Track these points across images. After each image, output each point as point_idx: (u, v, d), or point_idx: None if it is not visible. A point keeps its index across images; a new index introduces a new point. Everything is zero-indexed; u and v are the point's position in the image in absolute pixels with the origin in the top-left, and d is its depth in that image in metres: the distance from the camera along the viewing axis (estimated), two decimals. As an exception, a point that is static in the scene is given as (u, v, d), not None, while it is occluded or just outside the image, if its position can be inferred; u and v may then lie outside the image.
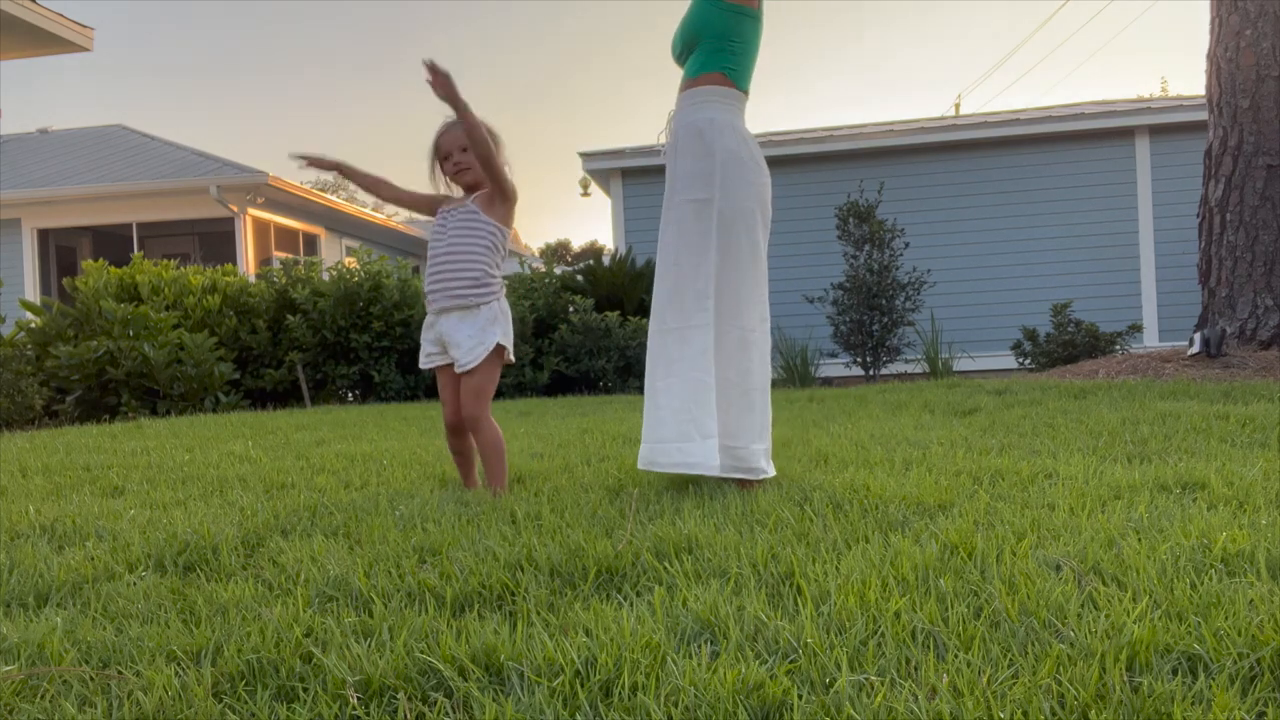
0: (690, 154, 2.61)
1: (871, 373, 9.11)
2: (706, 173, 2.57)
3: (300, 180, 14.98)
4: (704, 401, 2.52)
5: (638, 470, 2.97)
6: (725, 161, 2.56)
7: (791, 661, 1.29)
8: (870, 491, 2.41)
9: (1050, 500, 2.25)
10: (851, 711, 1.14)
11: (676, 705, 1.19)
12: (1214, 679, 1.19)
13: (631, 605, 1.56)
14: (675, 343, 2.58)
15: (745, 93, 2.68)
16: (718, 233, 2.56)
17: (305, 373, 8.42)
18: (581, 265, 9.79)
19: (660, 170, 10.27)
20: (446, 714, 1.21)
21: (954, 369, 9.20)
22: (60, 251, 15.23)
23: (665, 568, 1.77)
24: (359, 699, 1.26)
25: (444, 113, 2.68)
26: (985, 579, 1.60)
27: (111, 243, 15.54)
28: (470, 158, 2.71)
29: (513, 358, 2.76)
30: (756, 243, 2.62)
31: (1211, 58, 6.68)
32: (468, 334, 2.66)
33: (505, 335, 2.69)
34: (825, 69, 73.71)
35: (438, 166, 2.81)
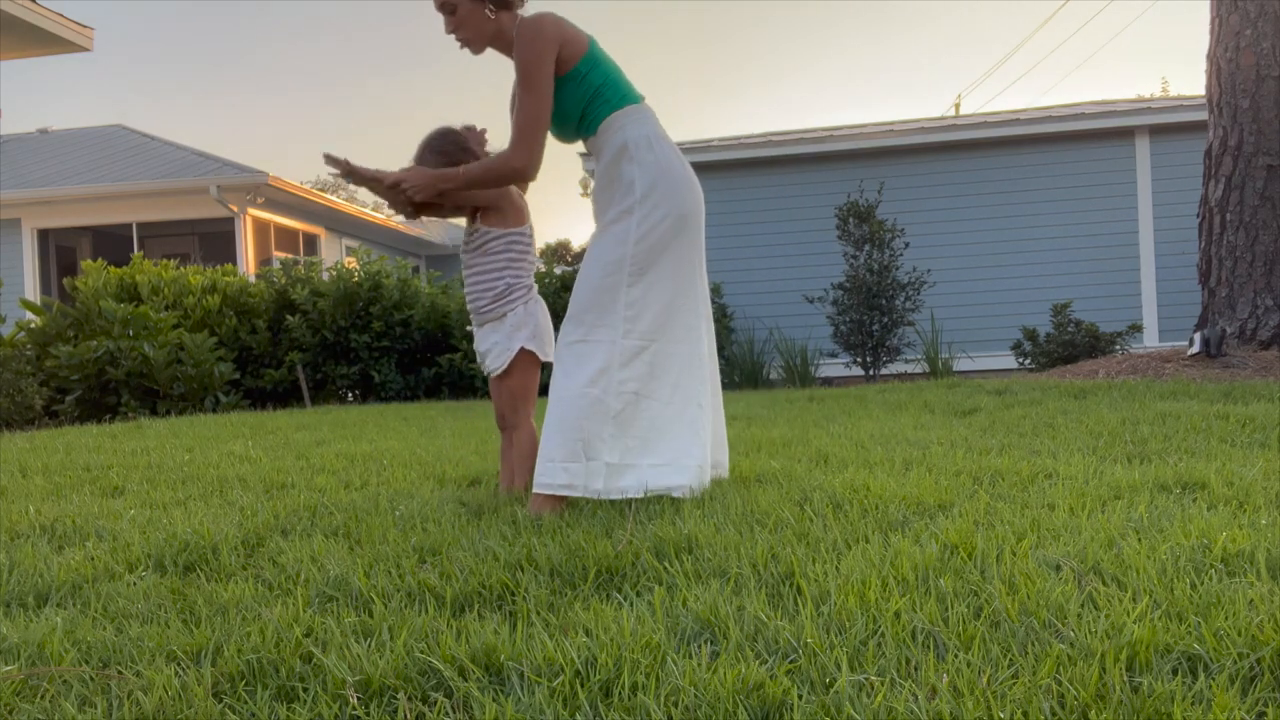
0: (605, 176, 2.52)
1: (871, 373, 9.11)
2: (626, 187, 2.47)
3: (300, 180, 14.98)
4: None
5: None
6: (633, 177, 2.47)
7: (791, 661, 1.29)
8: (870, 491, 2.41)
9: (1050, 500, 2.25)
10: (851, 711, 1.14)
11: (676, 705, 1.19)
12: (1214, 679, 1.19)
13: (631, 605, 1.56)
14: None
15: (626, 106, 2.49)
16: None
17: (305, 373, 8.42)
18: (582, 265, 9.76)
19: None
20: (446, 714, 1.21)
21: (954, 369, 9.20)
22: (60, 251, 15.23)
23: (665, 568, 1.77)
24: (359, 699, 1.26)
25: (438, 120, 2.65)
26: (985, 579, 1.60)
27: (111, 243, 15.54)
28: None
29: (547, 356, 2.72)
30: (602, 252, 2.47)
31: (1211, 58, 6.68)
32: (494, 340, 2.72)
33: (533, 338, 2.69)
34: (825, 69, 73.78)
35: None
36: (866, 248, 9.01)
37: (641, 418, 2.42)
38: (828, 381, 9.14)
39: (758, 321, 10.51)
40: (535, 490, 2.39)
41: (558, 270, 9.57)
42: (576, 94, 2.46)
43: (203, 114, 67.76)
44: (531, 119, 2.41)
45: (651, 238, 2.43)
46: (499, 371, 2.70)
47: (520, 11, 2.49)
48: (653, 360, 2.44)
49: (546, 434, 2.39)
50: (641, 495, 2.38)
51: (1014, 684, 1.19)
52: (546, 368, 2.65)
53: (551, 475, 2.36)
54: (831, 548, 1.86)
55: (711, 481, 2.60)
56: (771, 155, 10.94)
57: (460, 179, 2.48)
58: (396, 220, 19.31)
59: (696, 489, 2.44)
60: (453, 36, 2.50)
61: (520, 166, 2.46)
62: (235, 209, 13.74)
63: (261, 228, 14.48)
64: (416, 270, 13.23)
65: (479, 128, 2.73)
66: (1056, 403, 4.53)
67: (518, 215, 2.72)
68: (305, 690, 1.30)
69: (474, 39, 2.49)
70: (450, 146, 2.64)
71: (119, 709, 1.25)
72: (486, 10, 2.44)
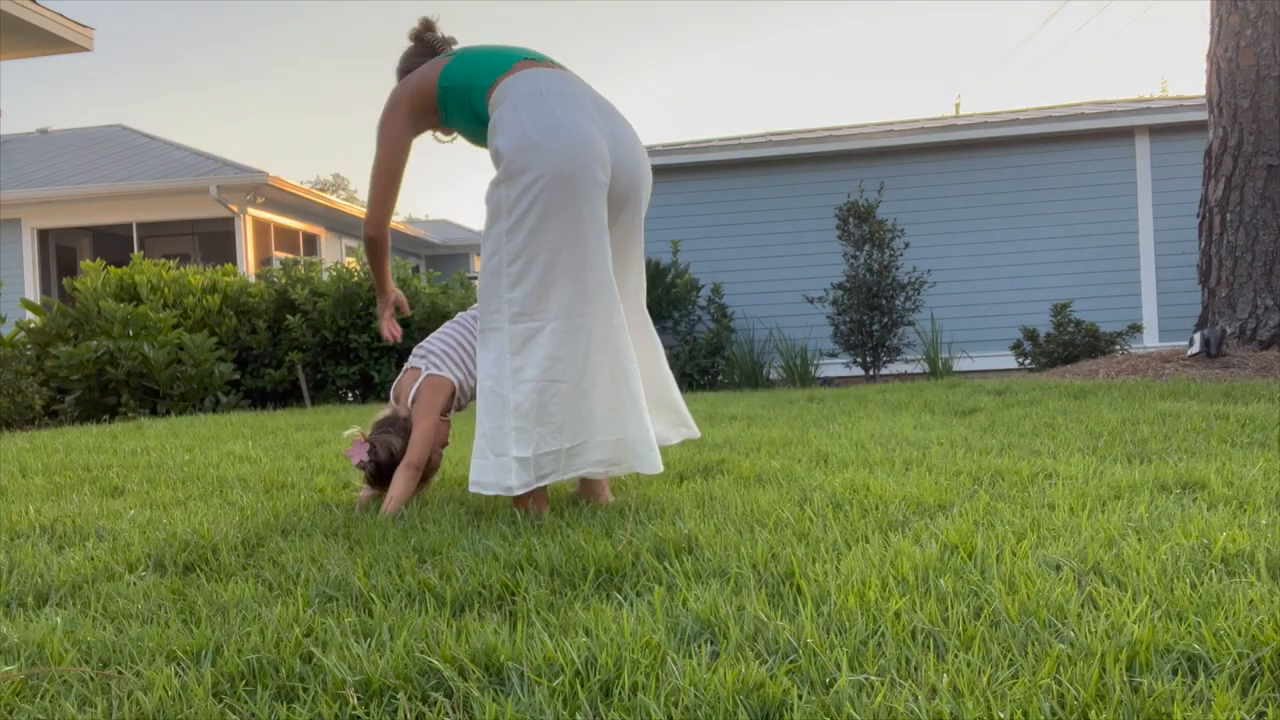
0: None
1: (871, 373, 9.11)
2: (495, 160, 2.36)
3: (300, 180, 14.98)
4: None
5: (638, 471, 2.97)
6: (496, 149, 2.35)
7: (791, 661, 1.29)
8: (870, 491, 2.41)
9: (1050, 500, 2.25)
10: (851, 711, 1.14)
11: (676, 705, 1.19)
12: (1214, 679, 1.19)
13: (631, 605, 1.56)
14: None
15: (498, 80, 2.36)
16: None
17: (305, 373, 8.42)
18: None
19: (660, 170, 10.26)
20: (446, 714, 1.21)
21: (954, 369, 9.20)
22: (60, 251, 15.23)
23: (665, 568, 1.77)
24: (359, 699, 1.26)
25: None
26: (985, 579, 1.60)
27: (111, 243, 15.55)
28: None
29: None
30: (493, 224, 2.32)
31: (1211, 58, 6.68)
32: None
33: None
34: (825, 69, 73.76)
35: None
36: (866, 248, 9.01)
37: (551, 405, 2.24)
38: (828, 381, 9.14)
39: (758, 321, 10.51)
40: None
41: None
42: (456, 102, 2.42)
43: (203, 114, 67.73)
44: (371, 179, 2.52)
45: (522, 206, 2.22)
46: None
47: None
48: (553, 340, 2.24)
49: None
50: (566, 480, 2.34)
51: (1014, 684, 1.19)
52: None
53: (474, 473, 2.29)
54: (831, 548, 1.86)
55: (712, 482, 2.60)
56: (771, 155, 10.94)
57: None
58: (397, 220, 19.31)
59: (619, 465, 2.30)
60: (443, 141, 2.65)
61: (367, 235, 2.58)
62: (235, 209, 13.75)
63: (261, 228, 14.48)
64: (416, 270, 13.22)
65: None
66: (1056, 403, 4.53)
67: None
68: (305, 690, 1.30)
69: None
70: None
71: (119, 709, 1.25)
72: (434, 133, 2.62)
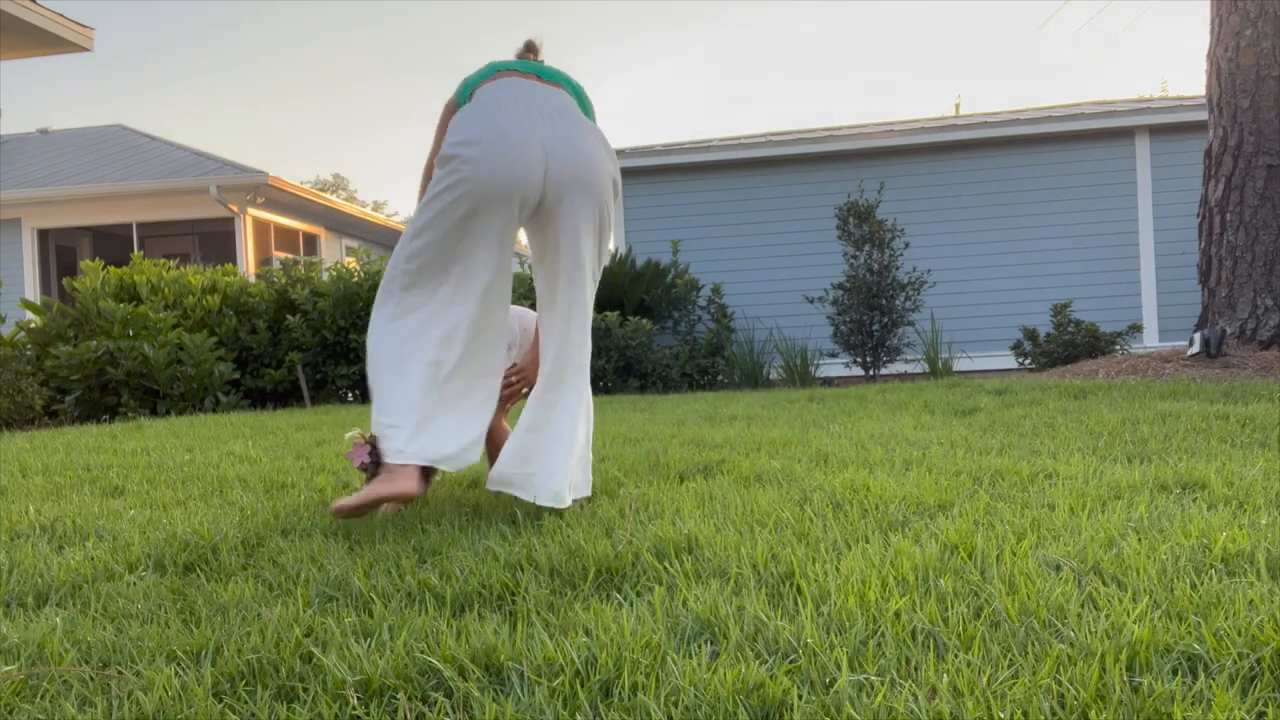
0: None
1: (871, 373, 9.11)
2: None
3: (300, 180, 14.99)
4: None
5: (638, 470, 2.97)
6: None
7: (791, 661, 1.29)
8: (870, 491, 2.41)
9: (1050, 500, 2.25)
10: (851, 711, 1.14)
11: (676, 705, 1.19)
12: (1214, 679, 1.19)
13: (631, 605, 1.56)
14: None
15: (477, 88, 2.48)
16: None
17: (305, 373, 8.41)
18: (581, 265, 9.78)
19: (660, 170, 10.27)
20: (446, 714, 1.21)
21: (954, 369, 9.20)
22: (60, 251, 15.23)
23: (665, 568, 1.77)
24: (359, 699, 1.26)
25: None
26: (985, 579, 1.60)
27: (111, 243, 15.55)
28: None
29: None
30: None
31: (1211, 58, 6.68)
32: None
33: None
34: (824, 69, 73.74)
35: None
36: (866, 248, 9.01)
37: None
38: (828, 381, 9.14)
39: (758, 321, 10.51)
40: None
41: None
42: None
43: (203, 114, 67.77)
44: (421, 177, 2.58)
45: (435, 189, 2.31)
46: None
47: None
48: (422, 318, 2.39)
49: None
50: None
51: (1014, 684, 1.19)
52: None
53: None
54: (831, 548, 1.86)
55: (711, 482, 2.59)
56: (771, 155, 10.94)
57: None
58: (397, 221, 19.34)
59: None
60: None
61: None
62: (235, 209, 13.74)
63: (261, 228, 14.48)
64: (416, 270, 13.18)
65: None
66: (1056, 403, 4.53)
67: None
68: (305, 690, 1.30)
69: None
70: None
71: (119, 709, 1.25)
72: None
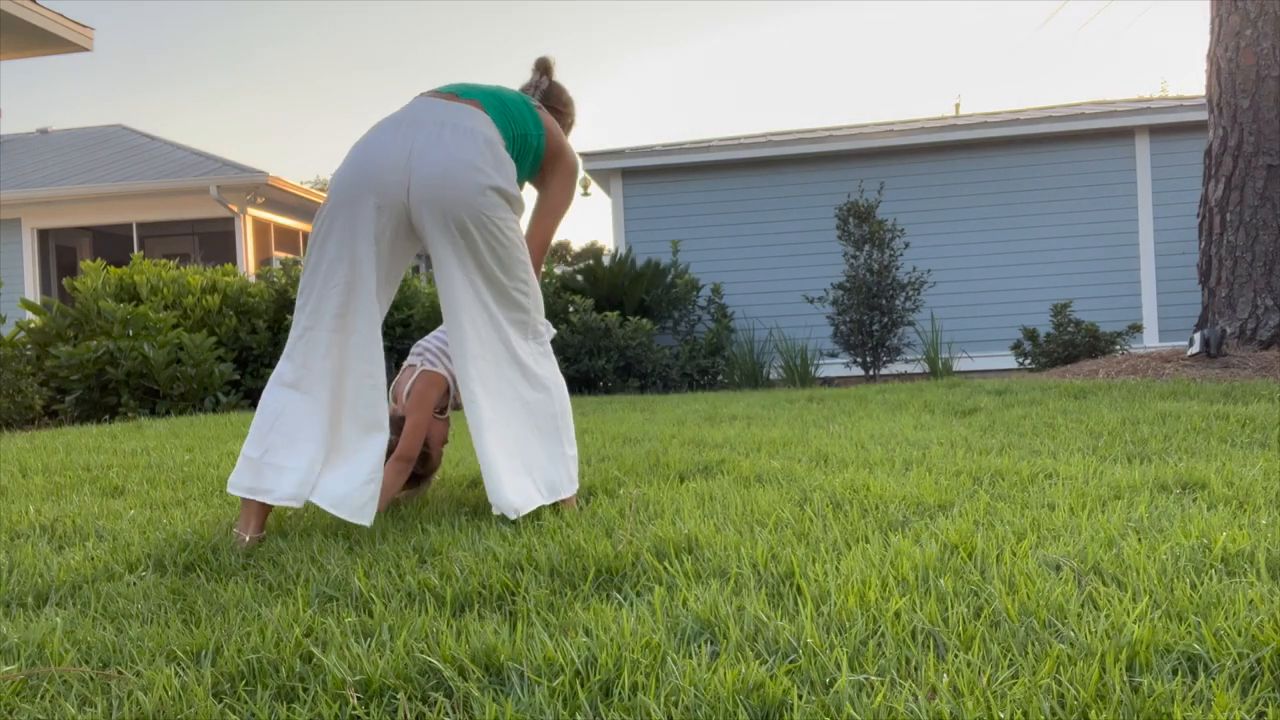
0: None
1: (871, 373, 9.11)
2: None
3: (300, 180, 14.99)
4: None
5: (638, 470, 2.97)
6: None
7: (791, 661, 1.29)
8: (870, 491, 2.41)
9: (1050, 500, 2.25)
10: (851, 711, 1.14)
11: (676, 705, 1.19)
12: (1214, 679, 1.19)
13: (631, 605, 1.56)
14: None
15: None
16: None
17: (305, 373, 8.40)
18: (581, 265, 9.79)
19: (660, 170, 10.26)
20: (446, 714, 1.21)
21: (954, 369, 9.20)
22: (60, 251, 15.23)
23: (665, 568, 1.77)
24: (359, 699, 1.26)
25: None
26: (985, 579, 1.60)
27: (111, 243, 15.55)
28: None
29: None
30: None
31: (1211, 58, 6.68)
32: None
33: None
34: (824, 69, 73.75)
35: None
36: (866, 248, 9.01)
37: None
38: (828, 381, 9.14)
39: (758, 321, 10.51)
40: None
41: (558, 270, 9.58)
42: None
43: (203, 114, 67.80)
44: None
45: (320, 218, 2.33)
46: None
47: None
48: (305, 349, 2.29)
49: None
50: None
51: (1014, 684, 1.19)
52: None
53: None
54: (831, 548, 1.86)
55: (711, 483, 2.59)
56: (771, 155, 10.94)
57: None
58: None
59: (250, 491, 2.21)
60: None
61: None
62: (235, 209, 13.74)
63: (261, 228, 14.48)
64: (416, 270, 13.23)
65: None
66: (1056, 403, 4.53)
67: None
68: (305, 690, 1.30)
69: None
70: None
71: (119, 709, 1.25)
72: None
